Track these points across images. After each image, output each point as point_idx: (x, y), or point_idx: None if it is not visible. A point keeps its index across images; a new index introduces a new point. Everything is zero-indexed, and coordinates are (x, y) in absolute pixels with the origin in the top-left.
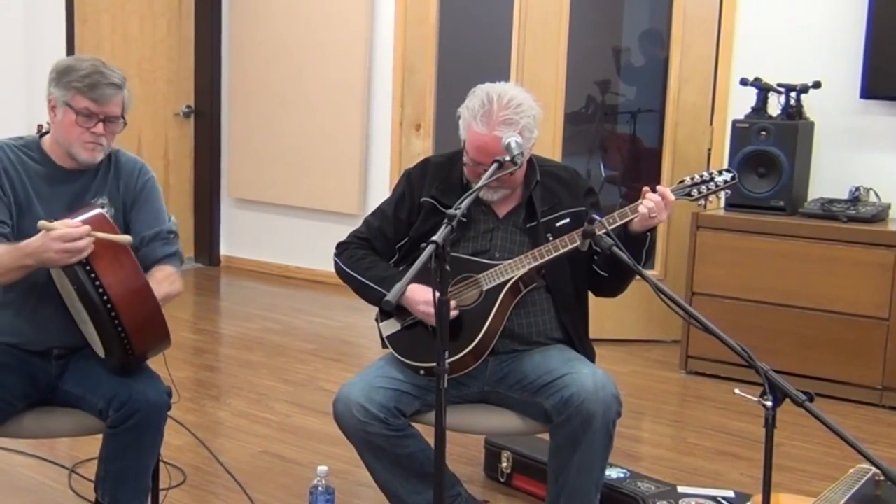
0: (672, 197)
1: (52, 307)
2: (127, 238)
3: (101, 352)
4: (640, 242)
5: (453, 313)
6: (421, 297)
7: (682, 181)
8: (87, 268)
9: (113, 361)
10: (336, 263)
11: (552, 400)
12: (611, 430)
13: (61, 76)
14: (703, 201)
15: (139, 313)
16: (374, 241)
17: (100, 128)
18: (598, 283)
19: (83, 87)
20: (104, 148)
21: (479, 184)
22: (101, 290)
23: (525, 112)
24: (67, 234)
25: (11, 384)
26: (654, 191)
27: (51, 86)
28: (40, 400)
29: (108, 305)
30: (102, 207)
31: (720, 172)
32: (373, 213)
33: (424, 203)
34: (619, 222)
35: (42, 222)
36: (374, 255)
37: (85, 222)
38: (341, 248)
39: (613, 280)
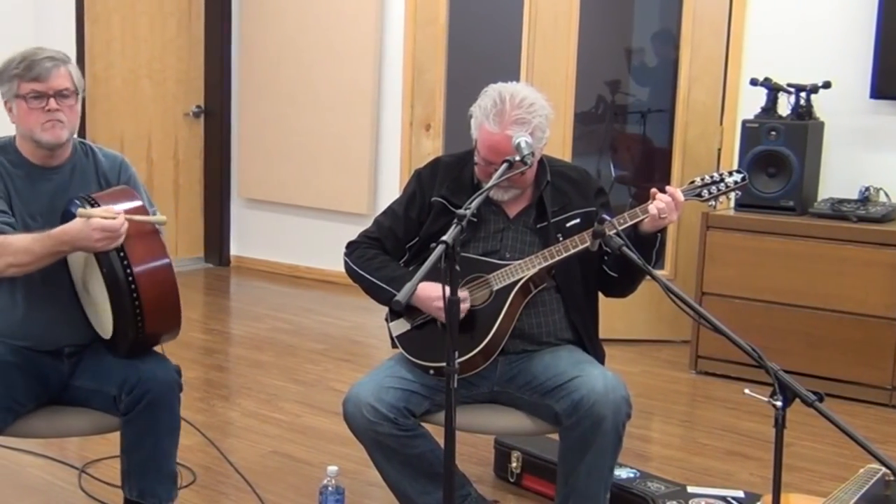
0: (682, 197)
1: (61, 305)
2: (162, 218)
3: (106, 332)
4: (649, 243)
5: (464, 306)
6: (434, 293)
7: (693, 182)
8: (121, 254)
9: (122, 343)
10: (346, 263)
11: (562, 403)
12: (620, 433)
13: (1, 74)
14: (713, 202)
15: (158, 292)
16: (385, 240)
17: (52, 104)
18: (609, 283)
19: (20, 71)
20: (65, 125)
21: (489, 184)
22: (127, 268)
23: (537, 112)
24: (109, 225)
25: (21, 385)
26: (663, 191)
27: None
28: (50, 399)
29: (131, 281)
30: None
31: (731, 173)
32: (383, 213)
33: (435, 203)
34: (629, 223)
35: (81, 210)
36: (384, 254)
37: (128, 211)
38: (351, 248)
39: (623, 280)
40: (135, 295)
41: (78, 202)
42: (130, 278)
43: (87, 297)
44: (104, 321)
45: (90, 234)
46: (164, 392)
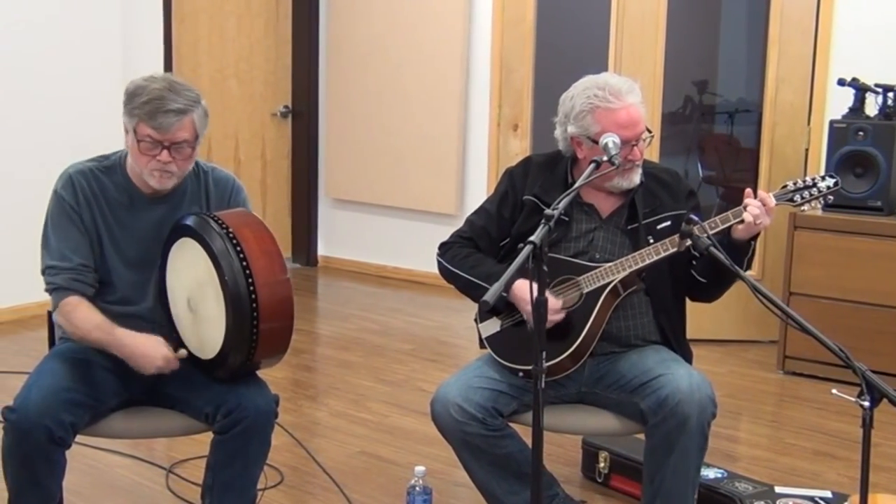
0: (773, 202)
1: (149, 331)
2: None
3: (206, 354)
4: (743, 250)
5: (557, 317)
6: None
7: (785, 186)
8: (248, 275)
9: (224, 367)
10: (440, 263)
11: (648, 400)
12: (706, 432)
13: (128, 101)
14: (804, 206)
15: (276, 324)
16: (478, 240)
17: (165, 155)
18: (697, 288)
19: (143, 114)
20: (173, 175)
21: (578, 183)
22: (252, 292)
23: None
24: (169, 364)
25: (103, 383)
26: (754, 194)
27: (123, 109)
28: (134, 400)
29: (255, 306)
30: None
31: (823, 178)
32: (475, 212)
33: (527, 202)
34: (721, 227)
35: (182, 351)
36: (478, 252)
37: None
38: (445, 248)
39: (712, 286)
40: (255, 324)
41: (195, 217)
42: (255, 305)
43: (190, 316)
44: (207, 342)
45: (152, 361)
46: (261, 422)
